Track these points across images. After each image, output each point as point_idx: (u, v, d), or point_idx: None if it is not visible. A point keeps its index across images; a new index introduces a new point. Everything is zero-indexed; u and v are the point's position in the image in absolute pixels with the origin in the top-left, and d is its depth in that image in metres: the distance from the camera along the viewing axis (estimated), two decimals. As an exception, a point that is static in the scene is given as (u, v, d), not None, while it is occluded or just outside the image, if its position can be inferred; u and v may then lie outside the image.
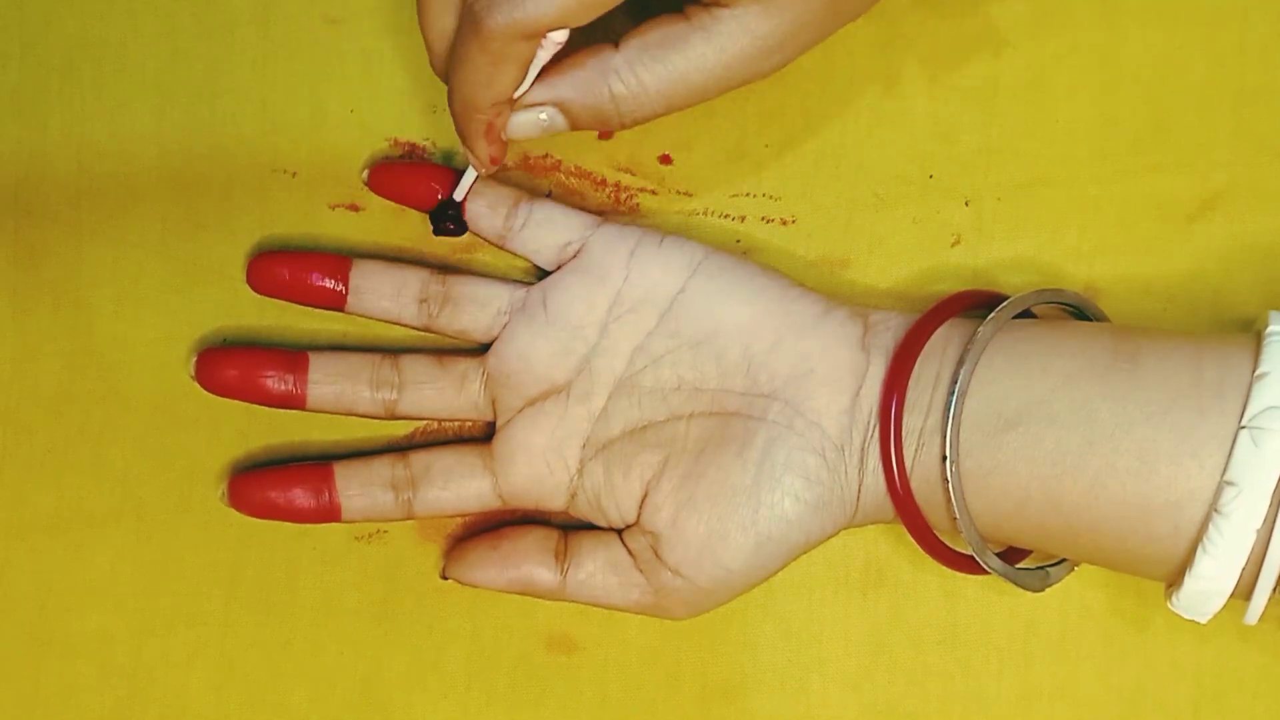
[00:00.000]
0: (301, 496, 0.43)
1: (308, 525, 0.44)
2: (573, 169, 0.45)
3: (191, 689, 0.44)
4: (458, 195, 0.43)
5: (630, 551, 0.42)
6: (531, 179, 0.45)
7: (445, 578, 0.43)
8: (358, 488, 0.43)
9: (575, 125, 0.40)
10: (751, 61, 0.39)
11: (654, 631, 0.44)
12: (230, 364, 0.43)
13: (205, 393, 0.44)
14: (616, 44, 0.39)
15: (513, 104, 0.40)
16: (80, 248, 0.45)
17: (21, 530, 0.45)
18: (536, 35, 0.37)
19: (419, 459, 0.43)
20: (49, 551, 0.45)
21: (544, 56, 0.38)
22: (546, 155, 0.45)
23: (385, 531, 0.45)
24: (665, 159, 0.45)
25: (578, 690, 0.44)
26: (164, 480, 0.45)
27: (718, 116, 0.44)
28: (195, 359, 0.43)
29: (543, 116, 0.40)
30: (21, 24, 0.46)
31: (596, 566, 0.42)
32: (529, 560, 0.42)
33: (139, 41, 0.46)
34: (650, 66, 0.39)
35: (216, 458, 0.45)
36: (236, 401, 0.44)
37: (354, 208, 0.45)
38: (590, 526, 0.43)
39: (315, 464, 0.43)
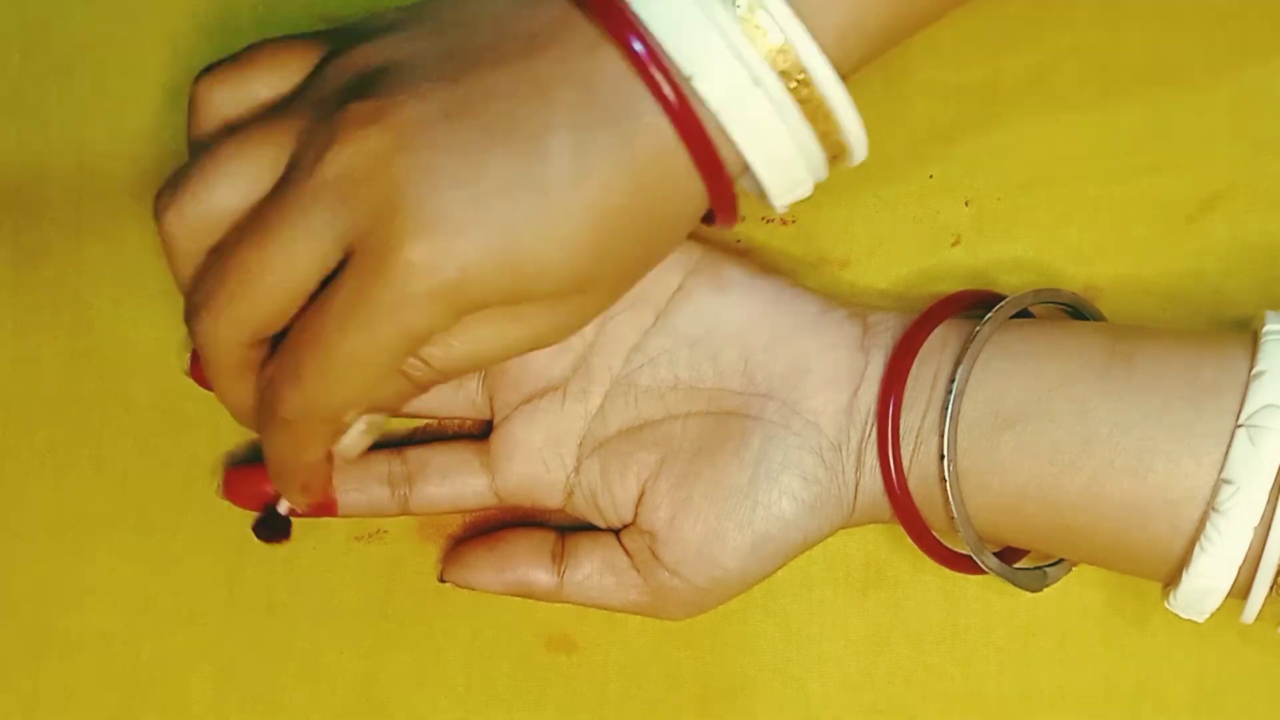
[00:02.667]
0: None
1: (308, 525, 0.44)
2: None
3: (191, 689, 0.44)
4: (281, 508, 0.42)
5: (628, 552, 0.42)
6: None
7: (443, 580, 0.43)
8: (354, 483, 0.43)
9: (392, 409, 0.39)
10: (537, 342, 0.37)
11: (654, 631, 0.44)
12: None
13: (205, 393, 0.44)
14: None
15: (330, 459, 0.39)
16: (80, 248, 0.45)
17: (21, 530, 0.45)
18: (334, 421, 0.37)
19: (416, 455, 0.43)
20: (49, 551, 0.45)
21: (353, 434, 0.38)
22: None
23: (385, 531, 0.45)
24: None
25: (578, 690, 0.44)
26: (164, 480, 0.45)
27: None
28: (189, 355, 0.43)
29: (362, 427, 0.38)
30: (21, 24, 0.46)
31: (594, 567, 0.42)
32: (526, 562, 0.42)
33: (139, 41, 0.46)
34: (430, 350, 0.36)
35: (216, 457, 0.45)
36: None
37: (354, 208, 0.45)
38: (589, 527, 0.43)
39: None
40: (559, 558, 0.42)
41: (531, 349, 0.37)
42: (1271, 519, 0.36)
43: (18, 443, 0.45)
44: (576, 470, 0.42)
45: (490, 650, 0.44)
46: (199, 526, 0.45)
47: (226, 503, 0.44)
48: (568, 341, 0.42)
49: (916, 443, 0.40)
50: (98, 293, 0.45)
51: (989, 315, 0.40)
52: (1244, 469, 0.36)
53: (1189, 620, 0.39)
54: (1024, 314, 0.42)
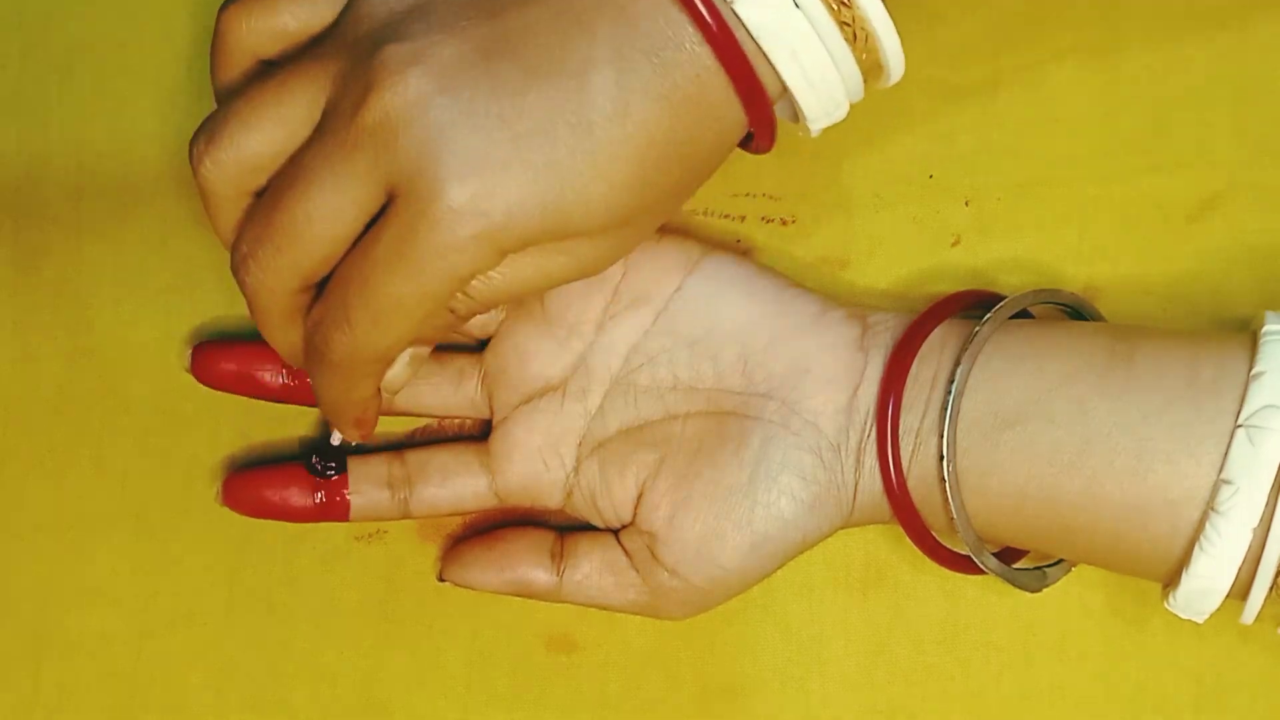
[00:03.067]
0: (297, 495, 0.43)
1: (308, 525, 0.44)
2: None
3: (191, 689, 0.44)
4: (334, 439, 0.43)
5: (627, 551, 0.42)
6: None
7: (442, 580, 0.43)
8: (354, 486, 0.43)
9: (433, 340, 0.39)
10: (578, 273, 0.38)
11: (654, 631, 0.44)
12: (227, 358, 0.43)
13: (205, 393, 0.44)
14: None
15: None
16: (80, 248, 0.45)
17: (21, 530, 0.45)
18: (384, 361, 0.37)
19: (415, 457, 0.43)
20: (49, 551, 0.45)
21: (398, 369, 0.39)
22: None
23: (385, 531, 0.45)
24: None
25: (578, 690, 0.44)
26: (164, 480, 0.45)
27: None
28: (190, 352, 0.43)
29: (405, 358, 0.39)
30: (21, 24, 0.46)
31: (593, 567, 0.42)
32: (525, 561, 0.42)
33: (139, 41, 0.46)
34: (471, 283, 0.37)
35: (216, 458, 0.45)
36: (236, 402, 0.44)
37: (354, 208, 0.45)
38: (589, 527, 0.43)
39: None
40: (558, 557, 0.42)
41: (573, 279, 0.37)
42: (1271, 520, 0.36)
43: (18, 443, 0.45)
44: (576, 470, 0.42)
45: (490, 650, 0.44)
46: (199, 527, 0.45)
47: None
48: (567, 341, 0.42)
49: (916, 443, 0.40)
50: (98, 293, 0.45)
51: (988, 315, 0.40)
52: (1243, 470, 0.36)
53: (1189, 620, 0.39)
54: (1024, 314, 0.42)
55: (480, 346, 0.44)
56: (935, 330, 0.41)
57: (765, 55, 0.36)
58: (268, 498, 0.43)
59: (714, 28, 0.35)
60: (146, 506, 0.45)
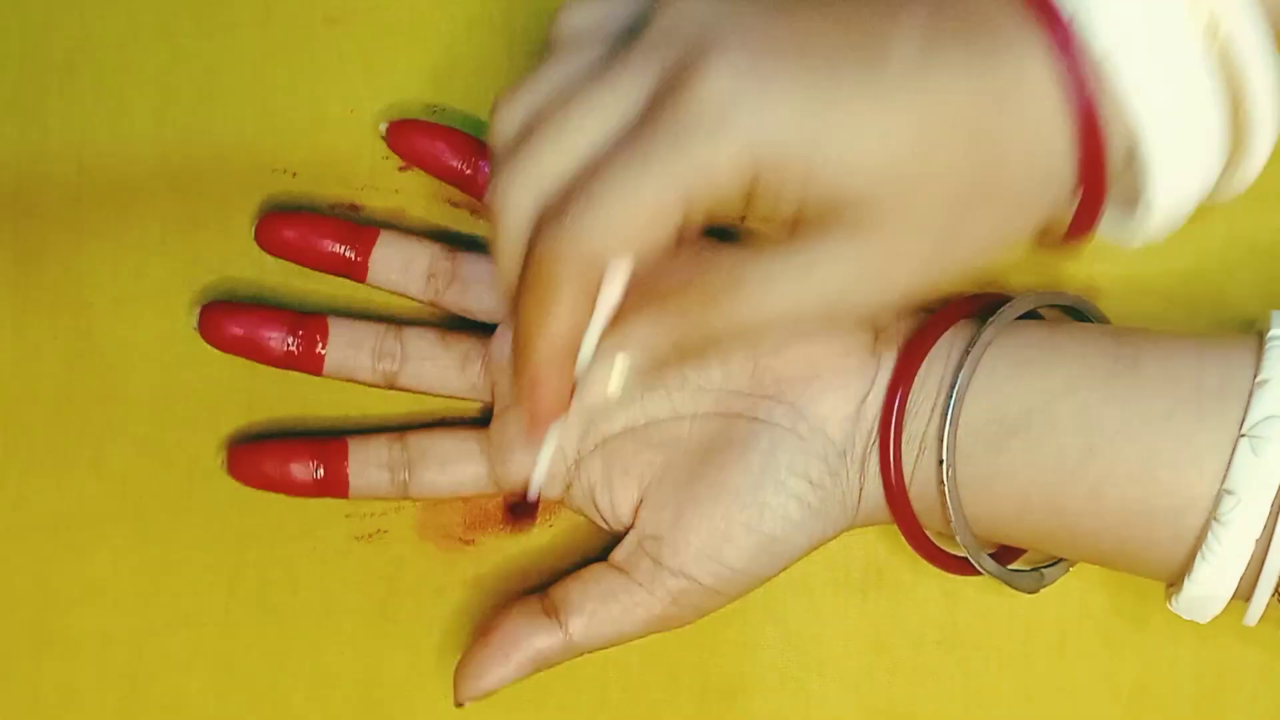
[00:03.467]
0: (300, 470, 0.42)
1: (308, 525, 0.44)
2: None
3: (191, 689, 0.44)
4: (530, 494, 0.40)
5: (622, 570, 0.41)
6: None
7: (461, 704, 0.41)
8: (354, 466, 0.43)
9: (650, 375, 0.35)
10: (838, 298, 0.33)
11: (654, 632, 0.44)
12: (234, 321, 0.43)
13: (205, 393, 0.44)
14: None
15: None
16: (80, 248, 0.45)
17: (21, 530, 0.45)
18: (587, 270, 0.33)
19: (417, 441, 0.43)
20: (49, 551, 0.45)
21: (604, 307, 0.34)
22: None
23: (385, 532, 0.45)
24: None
25: (578, 690, 0.44)
26: (164, 480, 0.45)
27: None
28: (198, 311, 0.43)
29: (621, 366, 0.34)
30: (21, 24, 0.46)
31: (594, 603, 0.41)
32: (525, 634, 0.40)
33: (139, 41, 0.46)
34: (717, 301, 0.33)
35: (217, 458, 0.45)
36: (237, 401, 0.44)
37: (354, 208, 0.45)
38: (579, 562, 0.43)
39: (315, 439, 0.43)
40: (553, 612, 0.41)
41: (816, 319, 0.33)
42: (1273, 530, 0.36)
43: (18, 443, 0.45)
44: (577, 464, 0.42)
45: (490, 650, 0.44)
46: (199, 527, 0.45)
47: (226, 503, 0.44)
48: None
49: (920, 449, 0.40)
50: (98, 293, 0.45)
51: (990, 320, 0.40)
52: (1246, 480, 0.36)
53: (1190, 620, 0.39)
54: (1030, 313, 0.42)
55: (489, 329, 0.43)
56: (944, 334, 0.41)
57: (1110, 81, 0.31)
58: (268, 471, 0.42)
59: (1055, 26, 0.30)
60: (146, 506, 0.45)
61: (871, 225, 0.32)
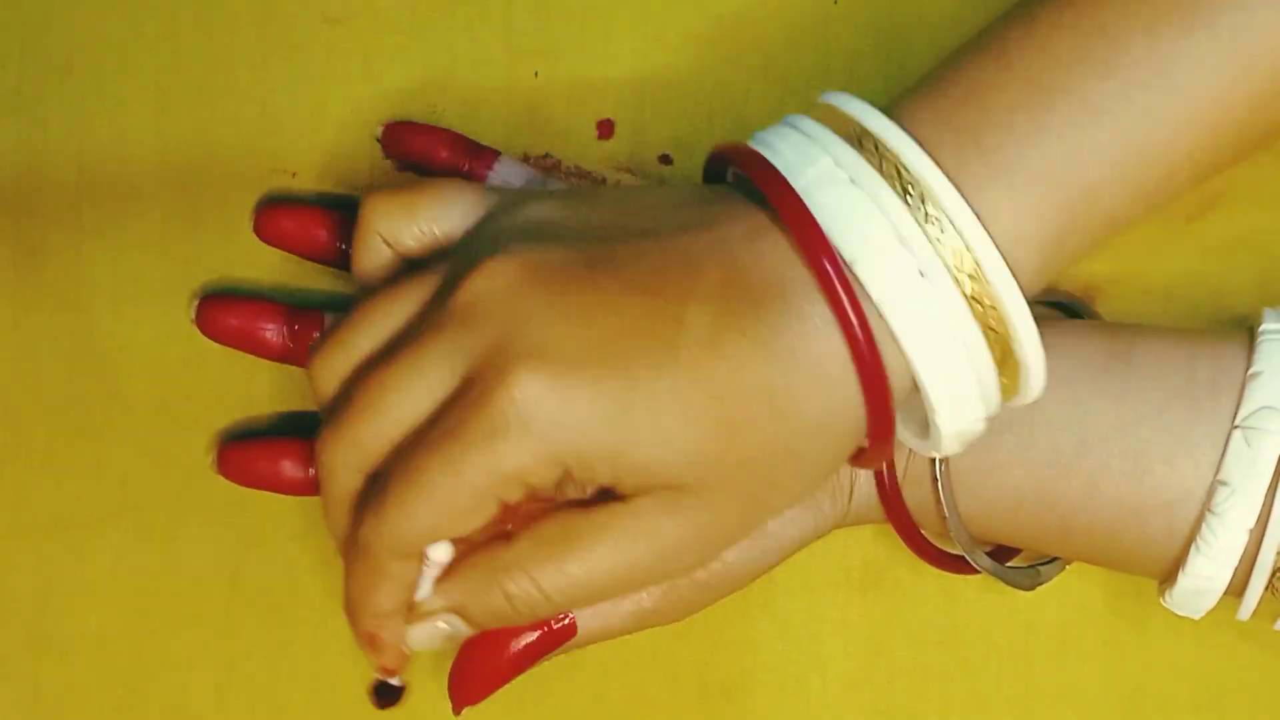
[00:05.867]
0: (290, 468, 0.42)
1: (308, 525, 0.44)
2: (572, 168, 0.45)
3: (191, 689, 0.44)
4: (396, 680, 0.42)
5: None
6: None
7: (459, 714, 0.41)
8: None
9: (482, 626, 0.37)
10: (660, 563, 0.35)
11: (654, 631, 0.44)
12: (231, 313, 0.43)
13: (205, 393, 0.44)
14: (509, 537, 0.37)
15: (409, 613, 0.37)
16: (80, 248, 0.45)
17: (21, 530, 0.45)
18: (405, 554, 0.36)
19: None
20: (49, 551, 0.45)
21: (430, 573, 0.37)
22: (547, 155, 0.45)
23: (385, 531, 0.45)
24: (665, 159, 0.45)
25: (578, 690, 0.44)
26: (164, 480, 0.45)
27: (718, 116, 0.44)
28: (196, 304, 0.43)
29: (442, 625, 0.37)
30: (21, 24, 0.46)
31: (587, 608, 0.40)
32: (513, 633, 0.40)
33: (139, 41, 0.46)
34: (543, 567, 0.35)
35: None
36: (237, 402, 0.44)
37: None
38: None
39: (307, 439, 0.43)
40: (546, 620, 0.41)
41: (653, 576, 0.36)
42: (1267, 521, 0.36)
43: (18, 443, 0.45)
44: None
45: (490, 650, 0.44)
46: (199, 526, 0.45)
47: (226, 503, 0.44)
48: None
49: (912, 447, 0.40)
50: (98, 293, 0.45)
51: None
52: (1240, 471, 0.36)
53: (1189, 620, 0.39)
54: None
55: None
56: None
57: (888, 325, 0.33)
58: (260, 469, 0.42)
59: (835, 284, 0.33)
60: (146, 506, 0.45)
61: (689, 496, 0.34)
